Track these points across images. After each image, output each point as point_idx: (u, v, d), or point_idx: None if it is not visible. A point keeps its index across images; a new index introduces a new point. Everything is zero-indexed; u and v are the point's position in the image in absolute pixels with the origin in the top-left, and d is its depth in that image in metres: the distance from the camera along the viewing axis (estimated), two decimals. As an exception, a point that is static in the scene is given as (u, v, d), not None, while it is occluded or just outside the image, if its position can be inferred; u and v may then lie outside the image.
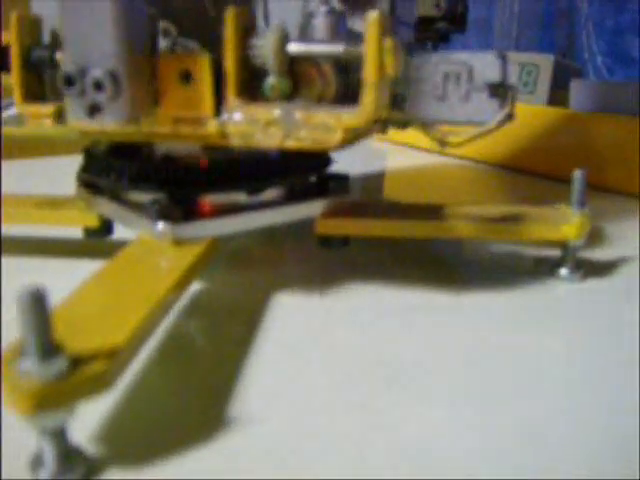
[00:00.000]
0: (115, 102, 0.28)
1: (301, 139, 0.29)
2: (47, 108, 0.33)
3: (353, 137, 0.32)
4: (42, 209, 0.39)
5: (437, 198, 0.57)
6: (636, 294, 0.36)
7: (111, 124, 0.28)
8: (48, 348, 0.20)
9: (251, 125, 0.30)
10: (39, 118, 0.33)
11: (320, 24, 0.42)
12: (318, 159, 0.38)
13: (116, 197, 0.36)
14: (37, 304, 0.19)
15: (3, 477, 0.21)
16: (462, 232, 0.37)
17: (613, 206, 0.55)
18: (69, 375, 0.20)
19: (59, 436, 0.21)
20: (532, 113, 0.65)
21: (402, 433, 0.24)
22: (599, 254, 0.42)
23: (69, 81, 0.28)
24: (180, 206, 0.32)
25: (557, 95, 0.66)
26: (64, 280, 0.27)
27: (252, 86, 0.30)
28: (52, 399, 0.20)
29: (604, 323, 0.33)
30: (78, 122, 0.29)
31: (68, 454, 0.21)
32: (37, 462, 0.21)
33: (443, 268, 0.40)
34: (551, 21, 1.00)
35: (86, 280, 0.28)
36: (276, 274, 0.38)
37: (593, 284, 0.38)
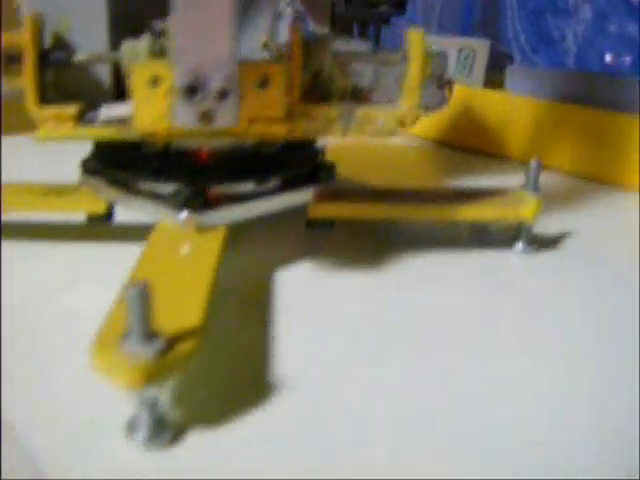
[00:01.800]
0: (230, 107, 0.31)
1: (359, 131, 0.36)
2: (69, 110, 0.36)
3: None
4: (48, 197, 0.41)
5: (384, 175, 0.62)
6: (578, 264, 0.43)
7: (223, 126, 0.32)
8: (150, 332, 0.24)
9: (317, 123, 0.36)
10: (60, 120, 0.35)
11: (287, 25, 0.47)
12: (310, 151, 0.42)
13: (130, 187, 0.39)
14: (143, 297, 0.23)
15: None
16: (438, 214, 0.42)
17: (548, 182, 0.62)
18: (167, 354, 0.24)
19: (154, 406, 0.25)
20: (469, 94, 0.71)
21: (405, 382, 0.29)
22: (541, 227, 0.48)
23: (192, 90, 0.30)
24: (200, 196, 0.36)
25: (491, 77, 0.73)
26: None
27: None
28: (155, 374, 0.24)
29: (561, 289, 0.40)
30: (186, 125, 0.32)
31: (159, 421, 0.25)
32: (132, 427, 0.25)
33: (413, 244, 0.45)
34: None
35: (133, 269, 0.31)
36: (273, 254, 0.42)
37: (545, 256, 0.44)
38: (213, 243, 0.35)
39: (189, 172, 0.38)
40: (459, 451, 0.25)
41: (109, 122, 0.36)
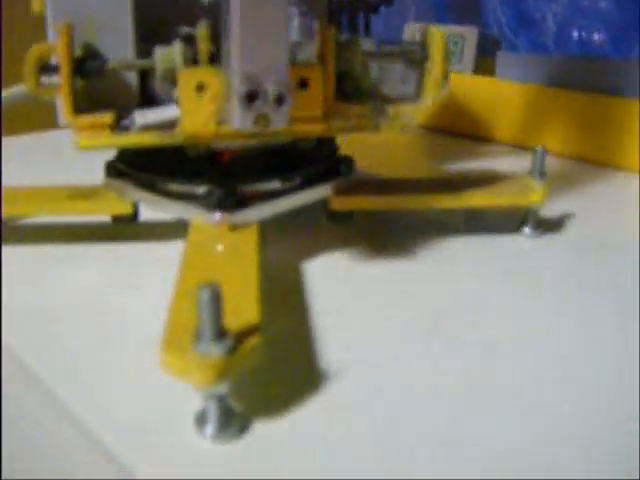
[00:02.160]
0: (285, 110, 0.33)
1: (389, 127, 0.40)
2: (104, 118, 0.37)
3: None
4: (74, 200, 0.42)
5: (383, 162, 0.64)
6: (586, 245, 0.46)
7: (277, 129, 0.33)
8: (221, 332, 0.25)
9: (350, 121, 0.39)
10: (96, 129, 0.36)
11: (297, 25, 0.49)
12: (330, 147, 0.44)
13: (159, 188, 0.40)
14: (215, 298, 0.25)
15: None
16: (453, 202, 0.44)
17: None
18: (236, 351, 0.26)
19: (223, 399, 0.26)
20: (460, 81, 0.73)
21: (445, 362, 0.31)
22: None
23: (252, 97, 0.32)
24: (231, 196, 0.37)
25: (481, 63, 0.75)
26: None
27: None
28: (227, 371, 0.25)
29: (566, 269, 0.42)
30: (244, 130, 0.33)
31: (227, 413, 0.27)
32: (202, 420, 0.27)
33: (425, 231, 0.47)
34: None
35: (180, 270, 0.32)
36: (298, 245, 0.44)
37: (551, 238, 0.47)
38: (249, 240, 0.36)
39: (218, 172, 0.39)
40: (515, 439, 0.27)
41: (147, 128, 0.37)
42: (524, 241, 0.46)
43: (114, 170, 0.42)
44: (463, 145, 0.72)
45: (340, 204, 0.43)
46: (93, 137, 0.36)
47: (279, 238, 0.45)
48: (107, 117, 0.36)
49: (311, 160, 0.42)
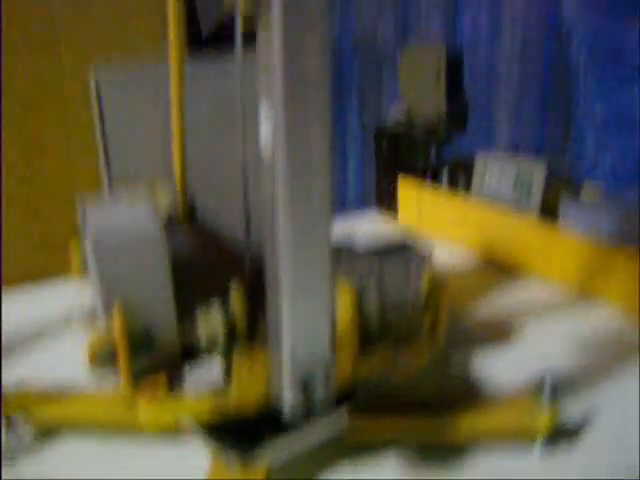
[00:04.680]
0: (330, 389, 0.37)
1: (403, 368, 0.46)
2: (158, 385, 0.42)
3: None
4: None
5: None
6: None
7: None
8: None
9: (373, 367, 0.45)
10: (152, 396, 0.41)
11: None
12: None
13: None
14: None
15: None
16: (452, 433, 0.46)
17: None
18: None
19: None
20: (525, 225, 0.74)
21: None
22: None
23: (303, 385, 0.36)
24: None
25: (548, 200, 0.75)
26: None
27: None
28: None
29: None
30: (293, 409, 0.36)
31: None
32: None
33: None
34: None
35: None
36: None
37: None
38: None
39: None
40: None
41: (201, 393, 0.41)
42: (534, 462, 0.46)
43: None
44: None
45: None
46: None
47: None
48: (161, 381, 0.41)
49: None
